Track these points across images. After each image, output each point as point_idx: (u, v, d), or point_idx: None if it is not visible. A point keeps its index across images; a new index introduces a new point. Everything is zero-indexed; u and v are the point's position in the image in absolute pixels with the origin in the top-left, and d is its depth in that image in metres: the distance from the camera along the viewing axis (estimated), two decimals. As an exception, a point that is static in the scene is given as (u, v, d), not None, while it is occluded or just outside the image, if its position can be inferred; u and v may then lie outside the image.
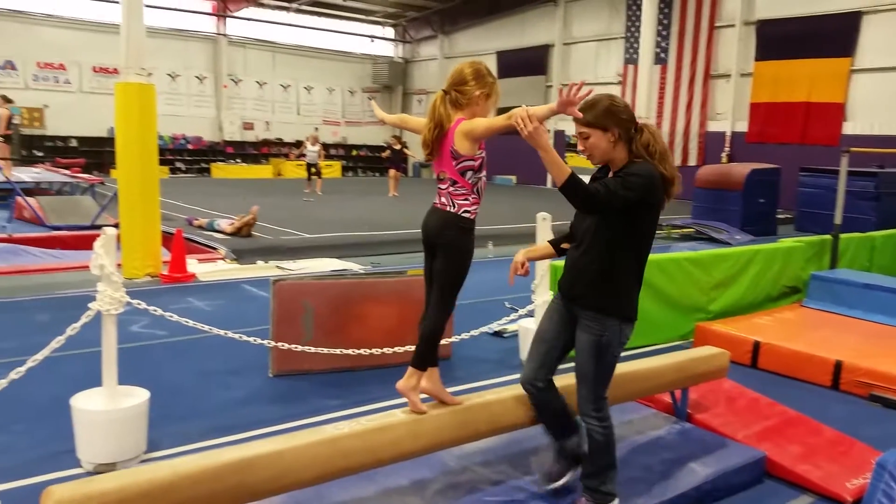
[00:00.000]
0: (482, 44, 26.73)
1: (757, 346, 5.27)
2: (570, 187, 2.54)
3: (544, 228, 4.83)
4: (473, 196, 2.84)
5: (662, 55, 20.19)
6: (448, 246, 2.84)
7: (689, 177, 14.97)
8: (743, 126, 19.10)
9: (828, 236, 7.48)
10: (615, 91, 22.01)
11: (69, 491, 2.15)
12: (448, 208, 2.84)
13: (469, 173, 2.81)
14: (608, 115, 2.69)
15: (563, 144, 23.87)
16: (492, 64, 25.96)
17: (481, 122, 2.79)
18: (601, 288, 2.76)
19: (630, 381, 3.58)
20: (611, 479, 2.90)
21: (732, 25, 19.13)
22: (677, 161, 20.46)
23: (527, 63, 24.64)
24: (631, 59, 21.04)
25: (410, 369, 2.91)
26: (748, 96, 18.90)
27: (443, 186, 2.86)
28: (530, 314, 5.14)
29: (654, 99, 19.08)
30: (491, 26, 26.31)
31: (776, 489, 3.44)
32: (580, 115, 2.65)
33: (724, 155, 19.27)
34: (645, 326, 5.67)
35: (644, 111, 12.28)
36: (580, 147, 2.77)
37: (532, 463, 3.32)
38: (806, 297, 6.66)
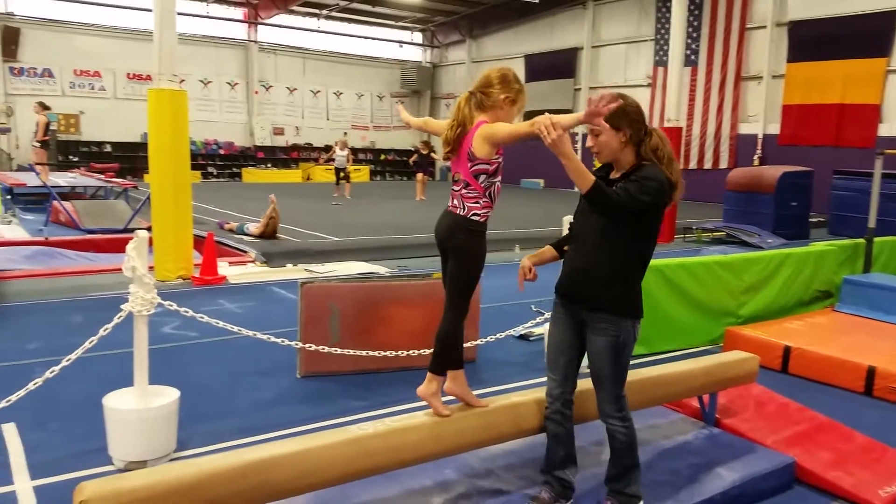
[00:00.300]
0: (510, 47, 26.74)
1: (787, 350, 5.19)
2: (594, 196, 2.58)
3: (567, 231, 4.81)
4: (485, 200, 2.82)
5: (693, 57, 20.00)
6: (458, 249, 2.84)
7: (720, 180, 14.85)
8: (775, 128, 18.84)
9: (861, 240, 7.36)
10: (645, 94, 21.91)
11: (100, 487, 2.20)
12: (458, 211, 2.83)
13: (483, 177, 2.79)
14: (622, 115, 2.72)
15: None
16: (519, 67, 25.97)
17: (504, 128, 2.77)
18: (617, 288, 2.76)
19: (657, 386, 3.56)
20: (635, 479, 2.89)
21: (764, 27, 18.89)
22: (708, 164, 20.27)
23: (555, 66, 24.58)
24: (661, 61, 20.87)
25: (429, 374, 2.92)
26: (780, 98, 18.63)
27: (456, 188, 2.86)
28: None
29: (684, 101, 18.91)
30: (519, 30, 26.30)
31: (806, 496, 3.39)
32: (598, 132, 2.71)
33: (755, 158, 19.02)
34: (674, 331, 5.66)
35: (674, 114, 12.15)
36: (589, 143, 2.79)
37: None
38: (838, 302, 6.55)
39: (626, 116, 2.73)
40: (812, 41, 17.69)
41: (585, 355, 2.92)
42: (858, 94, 16.89)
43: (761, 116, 19.16)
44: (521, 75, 25.99)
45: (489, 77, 2.88)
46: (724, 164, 19.64)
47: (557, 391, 2.94)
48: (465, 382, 2.99)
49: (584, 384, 3.03)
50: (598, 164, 2.93)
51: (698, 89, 20.39)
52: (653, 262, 5.45)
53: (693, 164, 20.46)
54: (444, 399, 2.95)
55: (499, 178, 2.85)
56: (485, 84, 2.88)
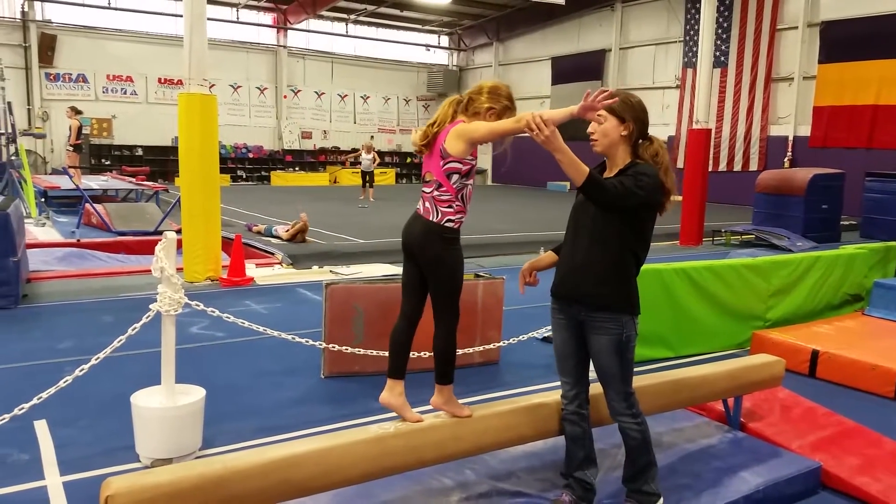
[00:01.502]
0: (537, 50, 26.70)
1: (815, 354, 5.12)
2: (590, 185, 2.56)
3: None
4: (458, 203, 2.73)
5: (722, 58, 19.79)
6: (435, 264, 2.76)
7: (750, 182, 14.67)
8: (806, 130, 18.56)
9: (893, 243, 7.23)
10: (674, 95, 21.75)
11: (126, 482, 2.25)
12: (430, 216, 2.73)
13: (455, 177, 2.70)
14: (629, 108, 2.74)
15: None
16: (546, 70, 25.94)
17: (482, 125, 2.69)
18: (612, 284, 2.75)
19: (681, 389, 3.54)
20: (652, 477, 2.89)
21: (795, 27, 18.64)
22: (738, 166, 20.05)
23: (582, 68, 24.47)
24: (690, 62, 20.70)
25: (438, 386, 2.88)
26: (811, 100, 18.35)
27: (427, 190, 2.76)
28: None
29: (713, 103, 18.70)
30: (546, 32, 26.24)
31: (832, 501, 3.34)
32: (602, 119, 2.69)
33: (786, 160, 18.77)
34: (700, 334, 5.61)
35: (703, 115, 12.02)
36: (590, 129, 2.77)
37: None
38: (868, 306, 6.43)
39: (632, 110, 2.75)
40: (845, 41, 17.40)
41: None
42: (893, 95, 16.58)
43: (792, 118, 18.90)
44: (548, 78, 26.17)
45: (482, 86, 2.83)
46: (753, 167, 19.40)
47: (572, 393, 2.95)
48: (402, 395, 2.90)
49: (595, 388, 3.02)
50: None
51: (728, 91, 20.17)
52: (680, 264, 5.51)
53: (722, 167, 20.24)
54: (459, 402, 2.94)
55: (471, 181, 2.77)
56: (475, 91, 2.83)
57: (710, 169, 12.83)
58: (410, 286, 2.89)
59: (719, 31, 19.13)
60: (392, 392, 2.87)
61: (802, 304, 6.29)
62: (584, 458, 2.97)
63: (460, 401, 2.95)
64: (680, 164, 19.57)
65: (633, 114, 2.74)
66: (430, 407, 2.93)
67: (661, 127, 22.40)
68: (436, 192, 2.72)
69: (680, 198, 12.39)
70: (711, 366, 3.83)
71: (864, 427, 3.93)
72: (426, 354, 4.66)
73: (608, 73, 24.01)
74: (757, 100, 19.62)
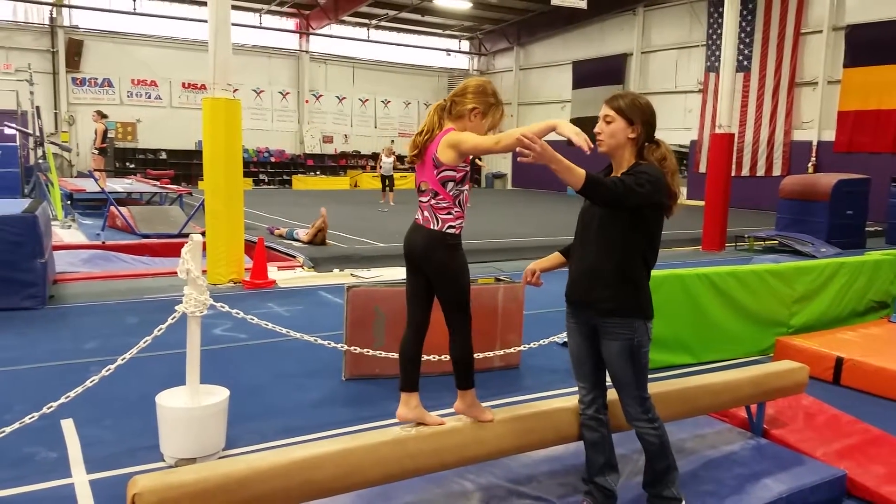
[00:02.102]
0: (558, 54, 26.65)
1: (840, 362, 5.06)
2: (590, 187, 2.52)
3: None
4: (457, 210, 2.74)
5: (745, 63, 19.63)
6: (441, 271, 2.75)
7: (774, 187, 14.54)
8: (830, 135, 18.35)
9: (921, 249, 7.12)
10: (696, 100, 21.60)
11: (152, 481, 2.28)
12: (431, 225, 2.73)
13: (450, 184, 2.70)
14: (637, 111, 2.73)
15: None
16: (567, 74, 25.87)
17: (470, 138, 2.68)
18: (620, 288, 2.74)
19: (703, 395, 3.52)
20: (672, 481, 2.88)
21: (819, 31, 18.44)
22: (761, 171, 19.86)
23: (603, 73, 24.38)
24: (712, 66, 20.55)
25: (461, 392, 2.88)
26: (836, 104, 18.13)
27: (424, 199, 2.76)
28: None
29: (736, 108, 18.55)
30: (567, 37, 26.18)
31: (857, 510, 3.31)
32: (610, 119, 2.73)
33: (809, 165, 18.56)
34: (723, 340, 5.57)
35: (726, 120, 11.93)
36: (597, 129, 2.76)
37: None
38: (895, 313, 6.35)
39: (641, 113, 2.73)
40: (871, 45, 17.17)
41: None
42: (920, 100, 16.35)
43: (816, 123, 18.68)
44: (569, 82, 26.09)
45: (466, 86, 2.81)
46: (777, 172, 19.21)
47: (588, 398, 2.95)
48: (419, 405, 2.88)
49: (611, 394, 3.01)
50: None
51: (751, 95, 20.00)
52: (702, 270, 5.47)
53: (745, 171, 20.06)
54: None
55: (466, 186, 2.77)
56: (458, 92, 2.81)
57: (732, 174, 12.72)
58: (416, 296, 2.88)
59: (742, 35, 18.98)
60: (408, 406, 2.84)
61: (826, 311, 6.22)
62: (605, 463, 2.96)
63: (481, 405, 2.96)
64: (702, 169, 19.47)
65: (641, 116, 2.73)
66: (451, 410, 2.94)
67: (682, 131, 22.28)
68: (433, 201, 2.73)
69: (702, 202, 12.31)
70: (734, 372, 3.81)
71: (890, 435, 3.88)
72: (445, 358, 4.67)
73: (630, 78, 23.91)
74: (780, 104, 19.43)
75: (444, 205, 2.72)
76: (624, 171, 2.74)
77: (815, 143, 18.70)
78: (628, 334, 2.75)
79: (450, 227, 2.73)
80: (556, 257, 3.11)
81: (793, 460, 3.50)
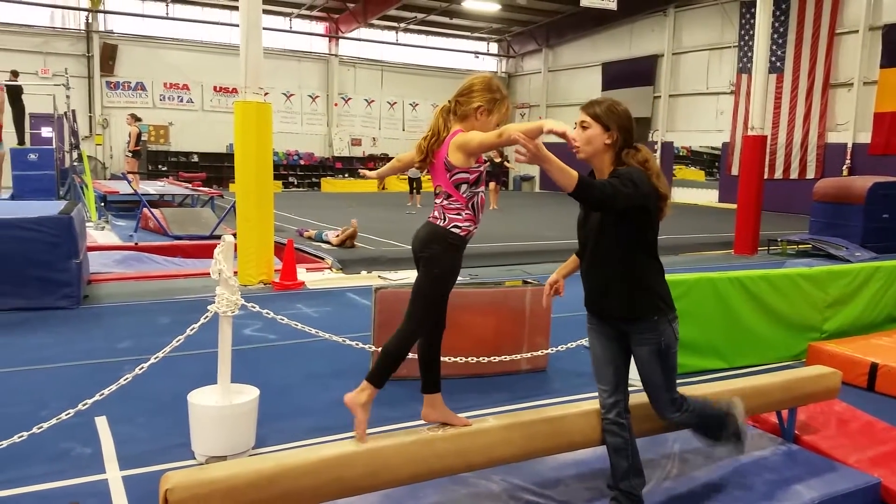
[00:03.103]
0: (587, 56, 26.53)
1: (874, 368, 4.96)
2: (582, 189, 2.48)
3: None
4: (468, 212, 2.70)
5: (778, 64, 19.36)
6: (430, 260, 2.68)
7: (807, 190, 14.31)
8: (866, 137, 18.01)
9: (959, 254, 6.96)
10: (728, 102, 21.35)
11: (184, 477, 2.33)
12: (438, 221, 2.70)
13: (464, 186, 2.68)
14: (612, 116, 2.71)
15: (672, 156, 23.28)
16: (596, 76, 25.73)
17: (475, 137, 2.65)
18: (633, 295, 2.75)
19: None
20: (729, 421, 3.07)
21: (855, 31, 18.12)
22: (794, 174, 19.57)
23: (633, 74, 24.22)
24: (744, 68, 20.29)
25: (364, 382, 2.72)
26: (872, 106, 17.80)
27: (438, 200, 2.73)
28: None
29: (769, 109, 18.33)
30: (596, 38, 26.05)
31: (892, 519, 3.24)
32: (586, 126, 2.72)
33: (844, 168, 18.23)
34: (754, 345, 5.50)
35: (758, 122, 11.78)
36: (573, 134, 2.64)
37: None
38: (933, 319, 6.22)
39: (617, 119, 2.71)
40: (909, 45, 16.85)
41: (633, 363, 2.92)
42: (959, 101, 15.98)
43: (851, 125, 18.36)
44: (598, 83, 25.92)
45: (472, 85, 2.76)
46: (810, 175, 18.90)
47: (609, 401, 2.94)
48: (443, 405, 2.83)
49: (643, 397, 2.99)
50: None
51: (784, 97, 19.71)
52: (734, 273, 5.42)
53: (778, 174, 19.78)
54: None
55: (481, 188, 2.74)
56: (462, 92, 2.77)
57: (765, 176, 12.55)
58: None
59: (775, 35, 18.73)
60: (432, 406, 2.82)
61: (861, 316, 6.11)
62: (629, 468, 2.92)
63: (508, 407, 2.96)
64: (735, 172, 19.23)
65: (618, 122, 2.71)
66: (477, 413, 2.94)
67: (714, 133, 22.03)
68: (446, 202, 2.70)
69: (734, 206, 12.14)
70: (765, 376, 3.76)
71: (926, 443, 3.80)
72: (471, 360, 4.68)
73: (660, 79, 23.72)
74: (814, 106, 19.12)
75: (456, 206, 2.69)
76: (606, 176, 2.73)
77: (850, 145, 18.37)
78: (654, 337, 2.76)
79: (455, 226, 2.69)
80: (573, 261, 3.12)
81: (825, 467, 3.45)
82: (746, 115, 15.43)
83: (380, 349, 2.77)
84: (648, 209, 2.69)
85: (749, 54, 18.72)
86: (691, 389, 3.43)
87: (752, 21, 19.35)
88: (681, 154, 24.15)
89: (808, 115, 19.28)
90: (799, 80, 19.38)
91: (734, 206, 12.21)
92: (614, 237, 2.73)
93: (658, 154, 20.13)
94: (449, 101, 2.80)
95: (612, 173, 2.69)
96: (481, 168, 2.72)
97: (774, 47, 18.85)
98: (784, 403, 3.69)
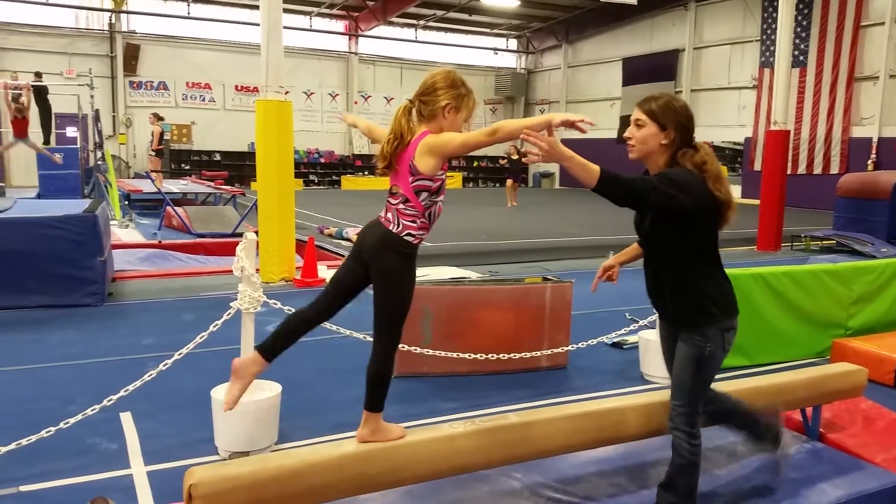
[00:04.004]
0: (607, 51, 26.38)
1: (902, 365, 4.90)
2: (606, 183, 2.34)
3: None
4: (423, 220, 2.56)
5: (801, 57, 19.12)
6: (386, 273, 2.57)
7: (831, 186, 14.12)
8: (892, 131, 17.74)
9: None
10: (750, 96, 21.12)
11: (209, 472, 2.35)
12: (391, 226, 2.56)
13: (424, 194, 2.53)
14: (671, 114, 2.54)
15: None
16: (617, 71, 25.59)
17: (456, 137, 2.49)
18: (686, 302, 2.64)
19: (757, 397, 3.44)
20: (688, 497, 2.75)
21: (881, 23, 17.85)
22: (817, 169, 19.34)
23: (654, 69, 24.04)
24: (767, 62, 20.07)
25: (367, 414, 2.63)
26: (899, 99, 17.55)
27: (393, 201, 2.58)
28: (651, 325, 5.04)
29: (792, 104, 18.11)
30: (617, 33, 25.89)
31: (919, 518, 3.20)
32: (642, 124, 2.56)
33: (869, 162, 17.98)
34: (778, 342, 5.45)
35: (781, 117, 11.64)
36: (628, 133, 2.60)
37: (651, 476, 3.24)
38: (961, 315, 6.10)
39: (675, 117, 2.54)
40: (936, 37, 16.57)
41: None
42: None
43: (876, 119, 18.09)
44: (619, 79, 25.78)
45: (434, 82, 2.58)
46: (834, 170, 18.66)
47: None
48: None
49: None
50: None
51: (807, 91, 19.47)
52: (757, 269, 5.36)
53: (802, 169, 19.55)
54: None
55: (441, 197, 2.59)
56: (424, 90, 2.59)
57: (788, 172, 12.41)
58: (341, 284, 2.75)
59: (798, 29, 18.50)
60: (249, 367, 2.80)
61: (887, 313, 6.02)
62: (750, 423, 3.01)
63: (528, 404, 2.95)
64: (757, 167, 19.02)
65: (675, 120, 2.54)
66: (500, 410, 2.95)
67: (737, 128, 21.80)
68: (401, 206, 2.56)
69: (757, 201, 12.03)
70: (788, 374, 3.72)
71: (954, 442, 3.74)
72: (492, 356, 4.68)
73: (682, 74, 23.54)
74: (838, 100, 18.87)
75: (412, 213, 2.55)
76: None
77: (875, 139, 18.11)
78: (700, 341, 2.61)
79: (409, 234, 2.55)
80: (634, 248, 2.99)
81: (851, 465, 3.40)
82: (769, 109, 15.27)
83: (367, 377, 2.70)
84: (697, 215, 2.52)
85: (771, 48, 18.51)
86: (715, 386, 3.40)
87: (774, 14, 19.12)
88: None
89: (832, 109, 19.03)
90: (823, 73, 19.13)
91: (757, 201, 12.08)
92: (663, 240, 2.61)
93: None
94: (410, 101, 2.62)
95: (658, 172, 2.56)
96: (444, 177, 2.57)
97: (797, 41, 18.62)
98: (808, 401, 3.65)
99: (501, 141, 2.43)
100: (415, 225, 2.56)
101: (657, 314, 2.89)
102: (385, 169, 2.62)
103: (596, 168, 2.33)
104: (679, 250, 2.60)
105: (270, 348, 2.80)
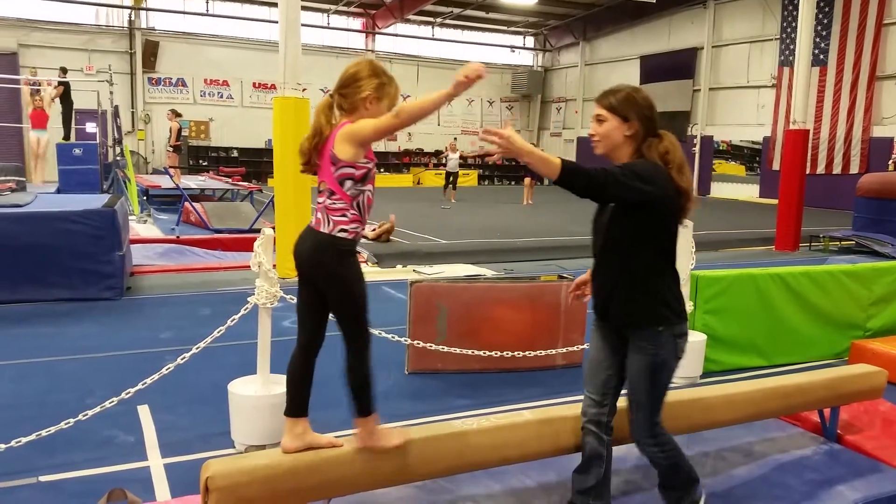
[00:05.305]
0: (624, 49, 26.24)
1: (922, 367, 4.84)
2: (568, 175, 2.30)
3: (684, 236, 4.69)
4: (353, 212, 2.46)
5: (822, 56, 18.92)
6: (331, 280, 2.48)
7: (851, 186, 13.97)
8: (914, 131, 17.54)
9: None
10: (769, 95, 20.94)
11: (225, 465, 2.38)
12: (322, 226, 2.47)
13: (349, 183, 2.44)
14: (632, 105, 2.50)
15: (711, 151, 22.91)
16: (635, 69, 25.45)
17: (368, 123, 2.43)
18: (637, 299, 2.53)
19: (773, 398, 3.44)
20: (689, 492, 2.72)
21: (904, 22, 17.65)
22: (837, 169, 19.15)
23: (672, 67, 23.90)
24: (786, 60, 19.88)
25: (359, 420, 2.59)
26: (921, 98, 17.33)
27: (321, 199, 2.50)
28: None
29: (811, 103, 17.93)
30: (635, 31, 25.76)
31: (938, 522, 3.16)
32: (603, 118, 2.52)
33: (890, 162, 17.73)
34: (795, 343, 5.41)
35: (801, 116, 11.54)
36: (591, 130, 2.57)
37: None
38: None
39: (636, 107, 2.50)
40: (959, 36, 16.34)
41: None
42: None
43: (898, 118, 17.90)
44: (636, 76, 25.61)
45: (354, 72, 2.50)
46: (854, 170, 18.46)
47: (591, 411, 2.73)
48: (306, 432, 2.59)
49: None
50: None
51: (827, 90, 19.27)
52: (775, 269, 5.32)
53: (821, 169, 19.36)
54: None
55: (369, 186, 2.51)
56: (344, 83, 2.51)
57: (807, 171, 12.30)
58: (305, 310, 2.61)
59: (818, 27, 18.30)
60: (292, 433, 2.53)
61: (907, 314, 5.96)
62: (593, 487, 2.74)
63: (542, 402, 2.95)
64: (776, 167, 18.87)
65: (637, 111, 2.49)
66: (512, 407, 2.94)
67: (755, 127, 21.63)
68: (328, 201, 2.47)
69: (775, 201, 11.91)
70: (806, 374, 3.69)
71: (975, 445, 3.70)
72: (507, 353, 4.68)
73: (700, 72, 23.38)
74: (859, 99, 18.66)
75: (340, 206, 2.45)
76: None
77: (896, 139, 17.92)
78: (651, 348, 2.52)
79: (341, 229, 2.45)
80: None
81: (869, 467, 3.37)
82: (788, 108, 15.15)
83: (348, 385, 2.64)
84: (660, 207, 2.46)
85: (791, 47, 18.35)
86: (732, 387, 3.39)
87: (794, 13, 18.93)
88: (721, 148, 23.77)
89: (852, 108, 18.82)
90: (843, 72, 18.92)
91: (775, 201, 11.99)
92: (622, 234, 2.51)
93: (697, 148, 19.78)
94: (330, 96, 2.54)
95: (621, 164, 2.49)
96: (371, 165, 2.51)
97: (818, 39, 18.42)
98: (826, 402, 3.63)
99: (408, 122, 2.38)
100: (345, 219, 2.46)
101: (599, 321, 2.73)
102: (305, 166, 2.56)
103: (557, 160, 2.30)
104: (637, 243, 2.51)
105: (293, 406, 2.63)
